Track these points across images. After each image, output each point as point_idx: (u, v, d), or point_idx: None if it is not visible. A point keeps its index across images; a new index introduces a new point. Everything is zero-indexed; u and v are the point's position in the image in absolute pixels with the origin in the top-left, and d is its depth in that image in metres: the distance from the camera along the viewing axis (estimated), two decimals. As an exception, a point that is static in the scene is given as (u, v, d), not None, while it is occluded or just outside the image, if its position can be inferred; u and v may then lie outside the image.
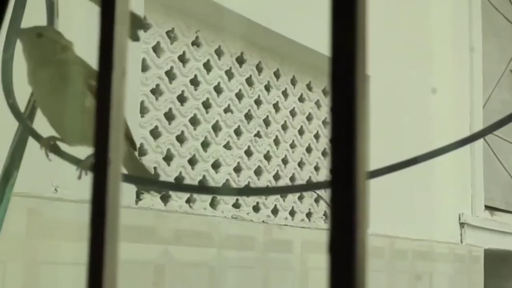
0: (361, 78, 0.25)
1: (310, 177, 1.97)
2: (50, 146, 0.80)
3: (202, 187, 1.46)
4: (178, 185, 1.36)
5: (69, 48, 0.78)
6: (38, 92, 0.73)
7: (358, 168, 0.24)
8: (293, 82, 1.95)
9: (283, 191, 1.64)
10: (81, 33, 0.73)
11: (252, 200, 1.76)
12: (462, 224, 2.59)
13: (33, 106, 0.71)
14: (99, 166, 0.30)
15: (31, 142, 0.88)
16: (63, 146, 0.82)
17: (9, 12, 0.70)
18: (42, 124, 0.74)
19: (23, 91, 0.73)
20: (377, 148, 2.09)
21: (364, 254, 0.24)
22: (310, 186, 1.75)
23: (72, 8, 1.02)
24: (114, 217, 0.30)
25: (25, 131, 0.71)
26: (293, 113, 1.93)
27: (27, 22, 0.74)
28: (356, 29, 0.25)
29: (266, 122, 1.84)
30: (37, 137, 0.70)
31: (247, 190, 1.53)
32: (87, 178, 1.26)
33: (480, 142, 2.78)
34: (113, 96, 0.30)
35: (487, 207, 2.83)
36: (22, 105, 0.72)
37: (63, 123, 0.76)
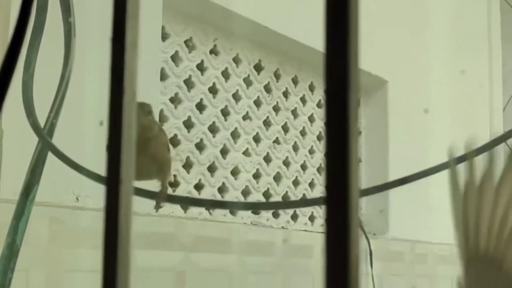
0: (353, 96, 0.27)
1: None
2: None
3: (218, 202, 1.49)
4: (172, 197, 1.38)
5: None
6: None
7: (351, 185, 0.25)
8: (311, 88, 1.96)
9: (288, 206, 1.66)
10: (97, 54, 0.75)
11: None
12: (483, 228, 2.58)
13: (52, 123, 0.74)
14: (111, 186, 0.31)
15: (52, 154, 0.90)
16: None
17: (29, 32, 0.73)
18: (60, 140, 0.76)
19: (42, 108, 0.76)
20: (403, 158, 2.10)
21: (357, 267, 0.25)
22: (310, 202, 1.77)
23: (89, 27, 1.04)
24: (126, 230, 0.31)
25: (45, 147, 0.73)
26: (311, 119, 1.94)
27: (46, 42, 0.76)
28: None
29: (285, 129, 1.85)
30: (63, 158, 0.73)
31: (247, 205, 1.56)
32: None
33: (501, 145, 2.76)
34: (124, 119, 0.32)
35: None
36: (41, 121, 0.75)
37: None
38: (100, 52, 0.82)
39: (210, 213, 1.59)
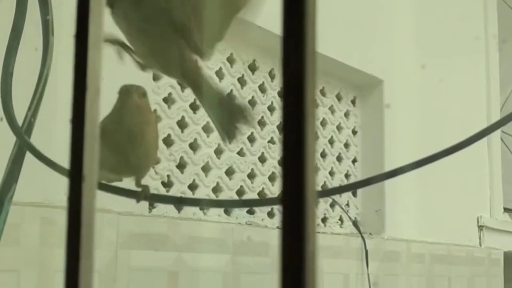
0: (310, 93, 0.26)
1: (324, 182, 1.97)
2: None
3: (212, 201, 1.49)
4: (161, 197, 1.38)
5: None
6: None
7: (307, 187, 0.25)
8: (306, 88, 1.96)
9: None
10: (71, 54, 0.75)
11: (266, 206, 1.78)
12: (480, 227, 2.58)
13: (30, 122, 0.74)
14: (74, 182, 0.31)
15: (41, 150, 0.90)
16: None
17: (8, 30, 0.73)
18: (38, 138, 0.76)
19: (21, 106, 0.76)
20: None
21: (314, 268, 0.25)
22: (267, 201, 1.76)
23: (65, 26, 1.04)
24: (89, 230, 0.31)
25: (22, 146, 0.73)
26: (306, 119, 1.94)
27: (24, 40, 0.76)
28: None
29: (280, 128, 1.84)
30: (42, 157, 0.72)
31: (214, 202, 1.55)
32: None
33: (498, 144, 2.77)
34: (87, 115, 0.31)
35: (506, 210, 2.82)
36: (20, 120, 0.74)
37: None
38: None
39: (204, 213, 1.59)
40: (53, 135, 0.93)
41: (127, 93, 0.81)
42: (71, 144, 0.31)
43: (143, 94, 0.84)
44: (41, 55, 0.76)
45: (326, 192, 0.84)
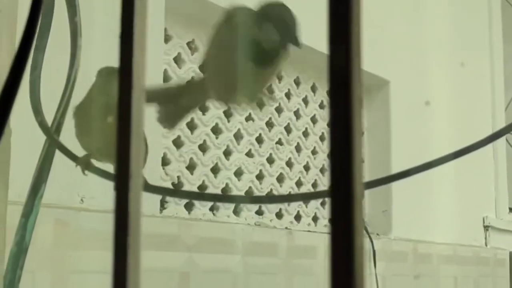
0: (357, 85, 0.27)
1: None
2: (86, 163, 0.87)
3: (221, 196, 1.49)
4: (191, 193, 1.38)
5: None
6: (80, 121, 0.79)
7: (355, 179, 0.26)
8: (313, 89, 1.97)
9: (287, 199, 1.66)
10: (103, 53, 0.76)
11: (275, 207, 1.78)
12: (486, 227, 2.59)
13: (59, 122, 0.74)
14: (121, 180, 0.32)
15: (57, 155, 0.91)
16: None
17: (36, 32, 0.73)
18: (66, 139, 0.77)
19: (49, 107, 0.77)
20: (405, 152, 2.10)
21: (361, 259, 0.25)
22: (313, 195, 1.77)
23: (95, 28, 1.05)
24: (136, 228, 0.32)
25: (52, 145, 0.73)
26: (313, 120, 1.95)
27: (52, 42, 0.77)
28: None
29: (287, 130, 1.86)
30: (71, 155, 0.73)
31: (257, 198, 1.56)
32: (109, 189, 1.29)
33: (503, 144, 2.78)
34: (133, 114, 0.32)
35: None
36: (49, 120, 0.75)
37: (92, 143, 0.81)
38: (106, 51, 0.83)
39: (214, 214, 1.60)
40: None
41: (110, 74, 0.79)
42: (118, 143, 0.32)
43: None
44: (69, 57, 0.76)
45: (371, 183, 0.85)
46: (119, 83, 0.32)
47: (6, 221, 0.77)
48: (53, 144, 0.72)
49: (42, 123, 0.70)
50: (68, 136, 0.77)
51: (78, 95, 0.75)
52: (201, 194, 1.43)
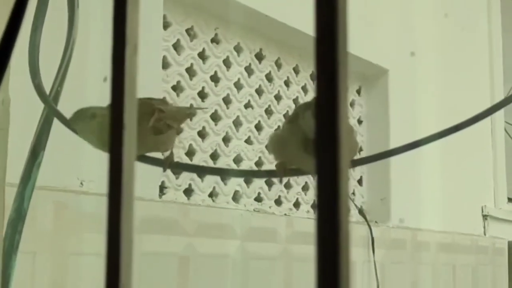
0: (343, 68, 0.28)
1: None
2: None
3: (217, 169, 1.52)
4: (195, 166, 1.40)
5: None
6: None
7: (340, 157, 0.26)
8: (312, 77, 1.98)
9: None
10: (100, 20, 0.77)
11: (274, 193, 1.80)
12: (485, 216, 2.60)
13: (57, 91, 0.75)
14: (115, 133, 0.33)
15: (56, 136, 0.92)
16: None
17: (34, 2, 0.75)
18: (66, 106, 0.78)
19: (47, 76, 0.78)
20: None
21: (347, 239, 0.26)
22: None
23: None
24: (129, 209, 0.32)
25: (50, 113, 0.74)
26: (313, 108, 1.96)
27: (50, 12, 0.78)
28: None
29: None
30: (66, 122, 0.74)
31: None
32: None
33: (501, 134, 2.79)
34: (126, 72, 0.33)
35: (510, 200, 2.84)
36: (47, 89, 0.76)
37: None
38: (104, 18, 0.84)
39: (213, 200, 1.61)
40: (78, 104, 0.94)
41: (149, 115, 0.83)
42: (111, 96, 0.33)
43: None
44: (67, 27, 0.77)
45: (358, 161, 0.86)
46: (112, 39, 0.33)
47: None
48: (51, 111, 0.73)
49: (40, 91, 0.71)
50: (67, 104, 0.78)
51: (75, 65, 0.76)
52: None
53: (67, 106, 0.77)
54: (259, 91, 1.79)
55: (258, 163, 1.76)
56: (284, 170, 0.89)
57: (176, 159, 1.54)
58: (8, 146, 0.77)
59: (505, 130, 2.86)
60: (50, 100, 0.72)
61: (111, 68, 0.33)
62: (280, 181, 1.77)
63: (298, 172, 0.88)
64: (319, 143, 0.26)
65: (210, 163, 1.63)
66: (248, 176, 1.68)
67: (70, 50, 0.75)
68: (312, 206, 1.93)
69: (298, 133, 0.84)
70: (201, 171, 1.37)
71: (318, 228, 0.26)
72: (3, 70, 0.39)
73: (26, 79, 0.76)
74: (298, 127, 0.85)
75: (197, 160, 1.59)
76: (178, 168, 1.25)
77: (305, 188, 1.91)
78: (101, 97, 1.20)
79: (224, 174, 1.46)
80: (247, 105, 1.75)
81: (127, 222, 0.33)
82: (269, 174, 1.58)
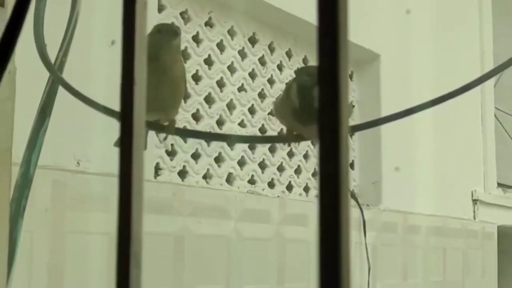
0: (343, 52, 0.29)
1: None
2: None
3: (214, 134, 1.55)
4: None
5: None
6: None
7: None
8: (305, 62, 2.00)
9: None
10: None
11: (267, 176, 1.82)
12: (475, 201, 2.63)
13: (62, 61, 0.77)
14: (126, 89, 0.34)
15: (53, 117, 0.93)
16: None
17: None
18: (70, 75, 0.79)
19: (54, 43, 0.79)
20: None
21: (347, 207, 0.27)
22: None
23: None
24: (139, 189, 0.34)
25: (56, 81, 0.76)
26: (305, 92, 1.98)
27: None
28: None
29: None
30: (74, 91, 0.75)
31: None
32: (108, 152, 1.32)
33: (491, 120, 2.81)
34: (136, 28, 0.35)
35: (500, 185, 2.87)
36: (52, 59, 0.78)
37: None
38: None
39: (207, 182, 1.63)
40: (85, 70, 0.96)
41: (165, 32, 0.85)
42: (122, 53, 0.34)
43: (177, 33, 0.87)
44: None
45: (355, 127, 0.90)
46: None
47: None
48: (56, 80, 0.75)
49: (45, 60, 0.73)
50: (71, 73, 0.80)
51: (82, 31, 0.78)
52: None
53: (74, 72, 0.79)
54: (252, 75, 1.81)
55: (251, 146, 1.78)
56: (291, 136, 0.93)
57: (171, 141, 1.56)
58: (15, 114, 0.78)
59: (495, 116, 2.89)
60: (55, 70, 0.74)
61: (122, 24, 0.34)
62: (289, 145, 1.84)
63: (300, 138, 0.91)
64: (322, 109, 0.28)
65: (204, 146, 1.64)
66: (253, 142, 1.72)
67: (75, 19, 0.77)
68: (305, 189, 1.95)
69: (288, 103, 0.88)
70: (206, 136, 1.40)
71: (320, 193, 0.27)
72: (7, 60, 0.41)
73: (31, 48, 0.78)
74: (288, 98, 0.88)
75: (192, 142, 1.61)
76: (182, 134, 1.27)
77: (297, 171, 1.93)
78: (109, 60, 1.21)
79: (229, 140, 1.49)
80: (241, 89, 1.76)
81: (138, 174, 0.35)
82: (274, 140, 1.62)
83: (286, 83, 1.03)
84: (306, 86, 0.82)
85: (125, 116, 0.34)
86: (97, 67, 1.24)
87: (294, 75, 1.91)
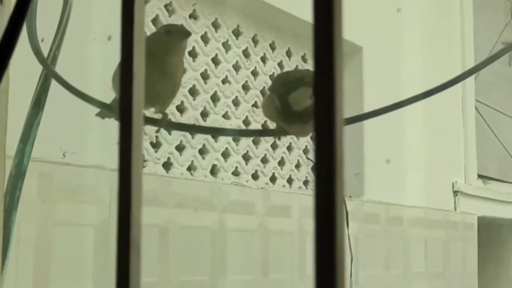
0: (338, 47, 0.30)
1: (306, 146, 2.03)
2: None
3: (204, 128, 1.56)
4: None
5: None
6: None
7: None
8: (289, 54, 2.01)
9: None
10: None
11: (251, 168, 1.83)
12: (455, 192, 2.66)
13: (55, 54, 0.78)
14: (125, 79, 0.35)
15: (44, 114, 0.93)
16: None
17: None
18: (67, 71, 0.80)
19: (47, 36, 0.80)
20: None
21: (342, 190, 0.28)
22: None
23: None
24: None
25: (49, 75, 0.77)
26: (288, 84, 1.99)
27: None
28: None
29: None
30: (65, 84, 0.76)
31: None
32: (94, 145, 1.32)
33: (472, 112, 2.84)
34: (135, 20, 0.36)
35: (480, 176, 2.90)
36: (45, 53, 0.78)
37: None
38: None
39: (191, 174, 1.64)
40: (81, 65, 0.96)
41: (175, 34, 0.87)
42: (122, 44, 0.35)
43: (189, 34, 0.89)
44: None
45: (351, 119, 0.93)
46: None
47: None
48: (49, 73, 0.75)
49: (38, 54, 0.73)
50: (64, 66, 0.80)
51: (77, 27, 0.78)
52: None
53: (69, 68, 0.80)
54: (236, 67, 1.82)
55: (235, 138, 1.79)
56: (280, 131, 0.96)
57: (155, 134, 1.56)
58: (8, 107, 0.79)
59: (476, 108, 2.92)
60: (49, 64, 0.74)
61: (121, 16, 0.35)
62: (279, 139, 1.89)
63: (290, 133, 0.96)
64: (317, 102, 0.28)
65: (189, 138, 1.65)
66: (247, 136, 1.74)
67: (67, 12, 0.77)
68: (288, 181, 1.96)
69: (271, 103, 0.91)
70: (196, 130, 1.42)
71: (316, 182, 0.28)
72: (6, 64, 0.41)
73: (24, 42, 0.78)
74: (272, 98, 0.91)
75: (176, 134, 1.62)
76: (173, 127, 1.29)
77: (281, 163, 1.94)
78: (105, 56, 1.22)
79: (217, 132, 1.51)
80: (225, 81, 1.77)
81: (137, 167, 0.35)
82: (268, 133, 1.64)
83: (268, 88, 1.09)
84: (283, 94, 0.87)
85: (124, 110, 0.35)
86: (94, 62, 1.25)
87: (277, 68, 1.92)
